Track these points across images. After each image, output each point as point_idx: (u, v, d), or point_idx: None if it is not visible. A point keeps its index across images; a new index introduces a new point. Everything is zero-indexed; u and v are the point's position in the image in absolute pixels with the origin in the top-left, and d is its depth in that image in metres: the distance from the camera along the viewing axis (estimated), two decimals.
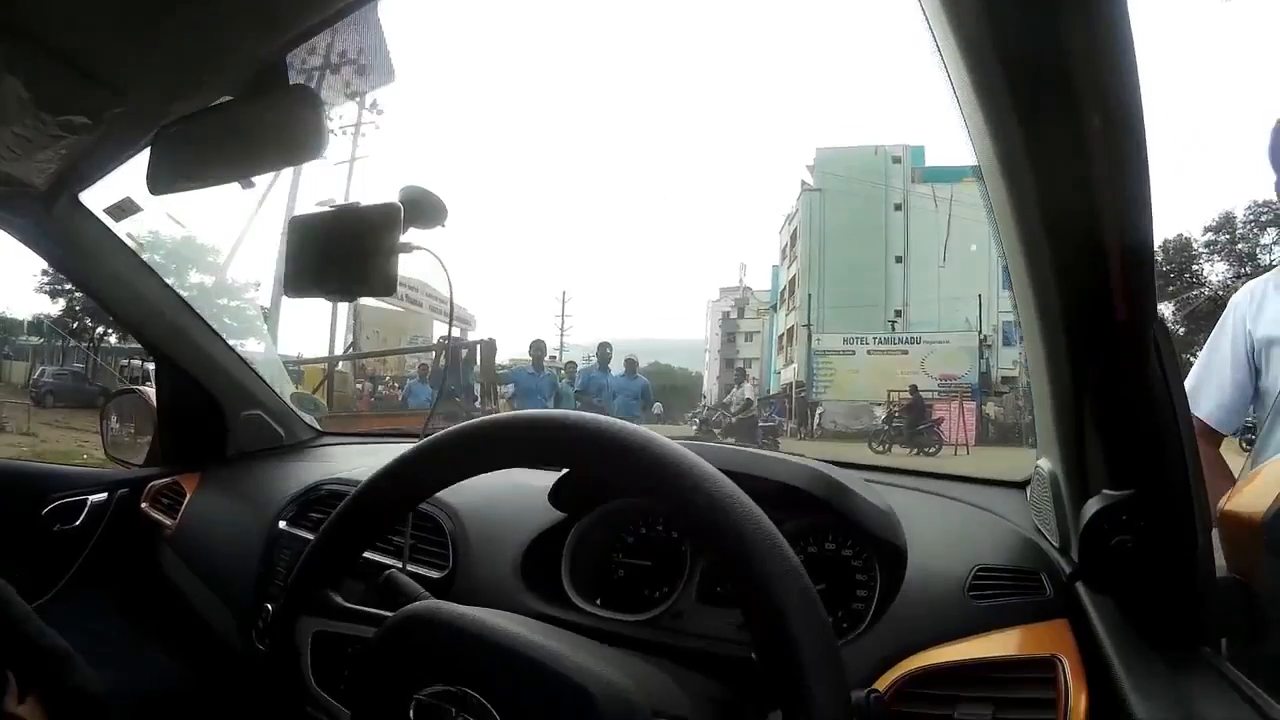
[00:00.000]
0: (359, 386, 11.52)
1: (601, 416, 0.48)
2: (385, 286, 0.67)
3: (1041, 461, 0.71)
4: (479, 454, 0.52)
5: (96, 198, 1.15)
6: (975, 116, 0.43)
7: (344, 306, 13.23)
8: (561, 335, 28.93)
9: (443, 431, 0.53)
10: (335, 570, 0.58)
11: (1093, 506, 0.55)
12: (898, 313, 24.39)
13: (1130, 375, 0.49)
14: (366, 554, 0.84)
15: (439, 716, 0.45)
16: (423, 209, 0.77)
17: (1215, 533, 0.58)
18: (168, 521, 1.22)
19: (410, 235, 0.74)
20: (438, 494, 0.91)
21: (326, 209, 0.76)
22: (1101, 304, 0.47)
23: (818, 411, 16.51)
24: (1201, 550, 0.54)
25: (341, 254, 0.70)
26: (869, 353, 20.69)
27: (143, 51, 0.75)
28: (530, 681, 0.44)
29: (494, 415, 0.52)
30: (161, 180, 0.79)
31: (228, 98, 0.77)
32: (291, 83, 0.72)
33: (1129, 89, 0.40)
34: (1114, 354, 0.49)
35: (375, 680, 0.49)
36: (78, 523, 1.22)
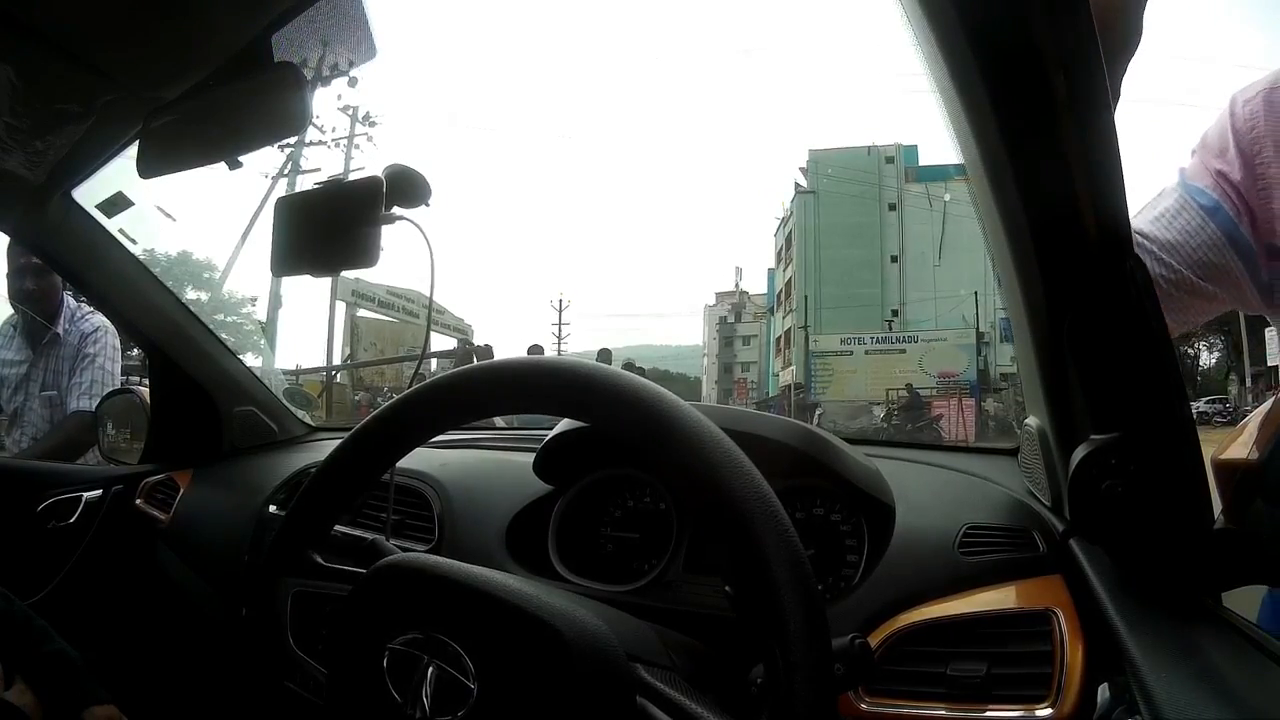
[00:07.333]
0: (357, 398, 11.51)
1: (582, 360, 0.48)
2: (368, 258, 0.67)
3: (1029, 420, 0.71)
4: (463, 399, 0.52)
5: (89, 195, 1.17)
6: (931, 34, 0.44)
7: (341, 319, 13.29)
8: (559, 342, 28.92)
9: (427, 381, 0.53)
10: (317, 528, 0.58)
11: (1080, 453, 0.55)
12: (894, 312, 24.43)
13: (1109, 310, 0.49)
14: (352, 531, 0.85)
15: (412, 664, 0.45)
16: (406, 186, 0.77)
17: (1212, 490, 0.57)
18: (162, 516, 1.21)
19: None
20: (423, 469, 0.92)
21: (311, 188, 0.77)
22: (1075, 234, 0.47)
23: (817, 413, 16.49)
24: (1200, 501, 0.54)
25: (325, 229, 0.71)
26: (867, 353, 20.69)
27: (134, 36, 0.75)
28: (501, 624, 0.43)
29: (476, 364, 0.52)
30: (151, 163, 0.80)
31: (214, 80, 0.77)
32: (276, 61, 0.73)
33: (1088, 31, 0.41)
34: (1091, 288, 0.49)
35: (350, 633, 0.49)
36: (72, 520, 1.22)
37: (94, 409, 1.61)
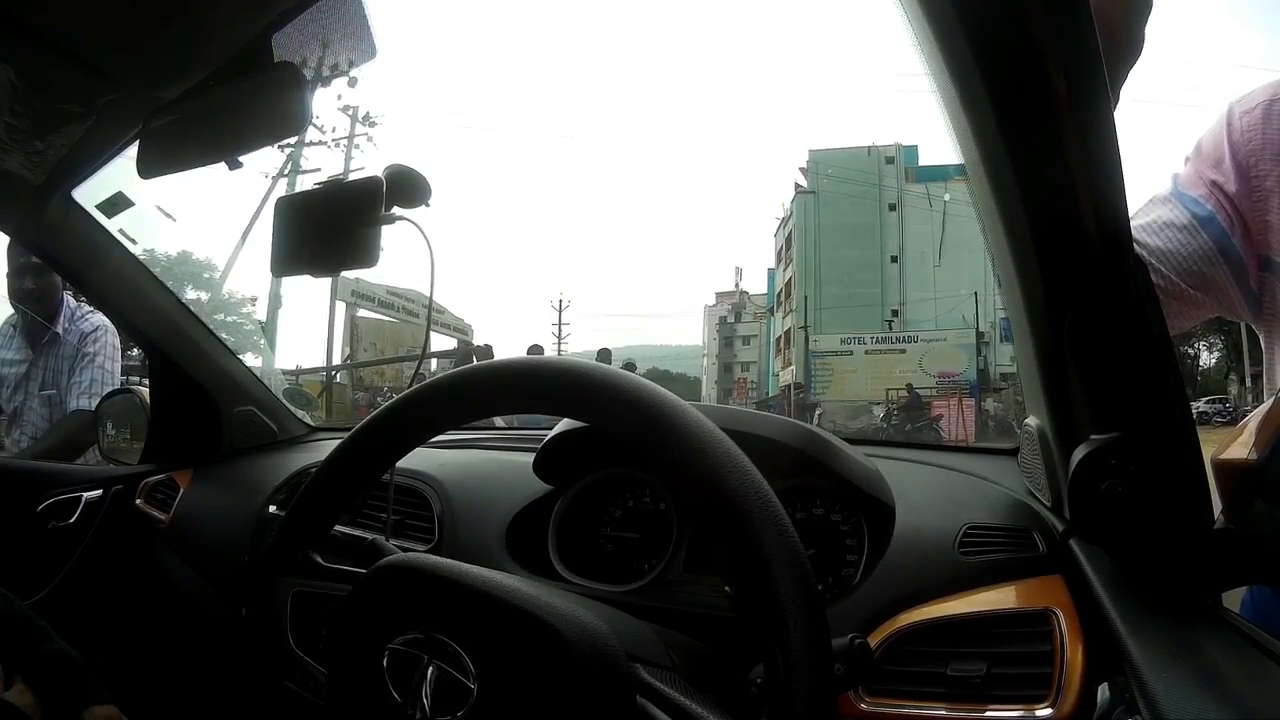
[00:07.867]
0: (357, 398, 11.51)
1: (582, 361, 0.48)
2: (367, 258, 0.67)
3: (1029, 420, 0.71)
4: (463, 399, 0.52)
5: (89, 195, 1.17)
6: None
7: (341, 319, 13.29)
8: (559, 341, 28.93)
9: (427, 381, 0.53)
10: (317, 528, 0.58)
11: (1080, 453, 0.55)
12: (894, 312, 24.44)
13: (1109, 310, 0.49)
14: (352, 531, 0.85)
15: (412, 663, 0.45)
16: (406, 186, 0.77)
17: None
18: (162, 516, 1.21)
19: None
20: (423, 469, 0.92)
21: (311, 188, 0.77)
22: (1075, 234, 0.47)
23: (817, 412, 16.52)
24: (1200, 501, 0.54)
25: (325, 229, 0.71)
26: (867, 353, 20.70)
27: (134, 36, 0.76)
28: (501, 624, 0.44)
29: (476, 364, 0.52)
30: (151, 163, 0.80)
31: (214, 80, 0.77)
32: (276, 60, 0.73)
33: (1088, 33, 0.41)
34: (1091, 288, 0.49)
35: (350, 633, 0.49)
36: (72, 520, 1.22)
37: (93, 408, 1.61)
